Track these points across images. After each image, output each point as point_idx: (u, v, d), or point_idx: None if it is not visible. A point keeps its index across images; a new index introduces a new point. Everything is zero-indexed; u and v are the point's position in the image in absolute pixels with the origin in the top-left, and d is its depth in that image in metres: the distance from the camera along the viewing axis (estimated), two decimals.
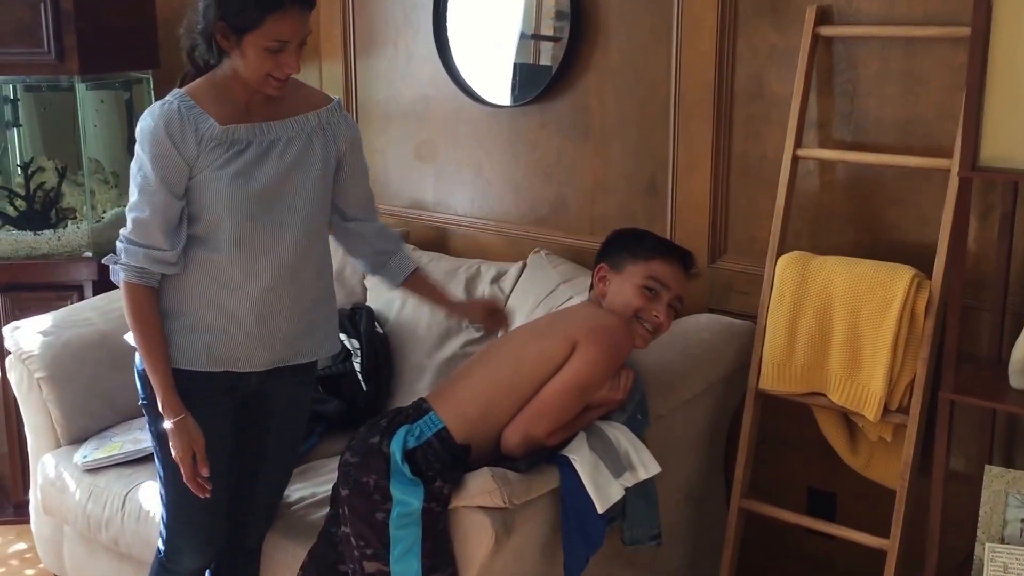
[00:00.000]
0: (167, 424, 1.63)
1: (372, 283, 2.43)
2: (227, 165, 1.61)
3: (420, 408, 1.67)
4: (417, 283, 1.85)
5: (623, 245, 1.78)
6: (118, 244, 1.64)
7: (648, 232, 1.83)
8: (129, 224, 1.61)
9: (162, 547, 1.78)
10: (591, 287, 1.82)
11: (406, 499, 1.56)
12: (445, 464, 1.60)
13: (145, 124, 1.60)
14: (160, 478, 1.75)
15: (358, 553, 1.60)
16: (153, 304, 1.64)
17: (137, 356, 1.70)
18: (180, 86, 1.65)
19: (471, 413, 1.65)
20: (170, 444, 1.63)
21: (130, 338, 1.70)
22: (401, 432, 1.61)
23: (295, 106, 1.68)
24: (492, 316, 1.89)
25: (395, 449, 1.59)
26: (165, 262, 1.61)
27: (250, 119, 1.64)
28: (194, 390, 1.65)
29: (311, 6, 1.59)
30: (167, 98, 1.62)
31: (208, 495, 1.64)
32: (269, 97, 1.64)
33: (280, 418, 1.78)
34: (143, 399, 1.72)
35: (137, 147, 1.61)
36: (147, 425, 1.74)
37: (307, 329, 1.74)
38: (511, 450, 1.65)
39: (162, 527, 1.78)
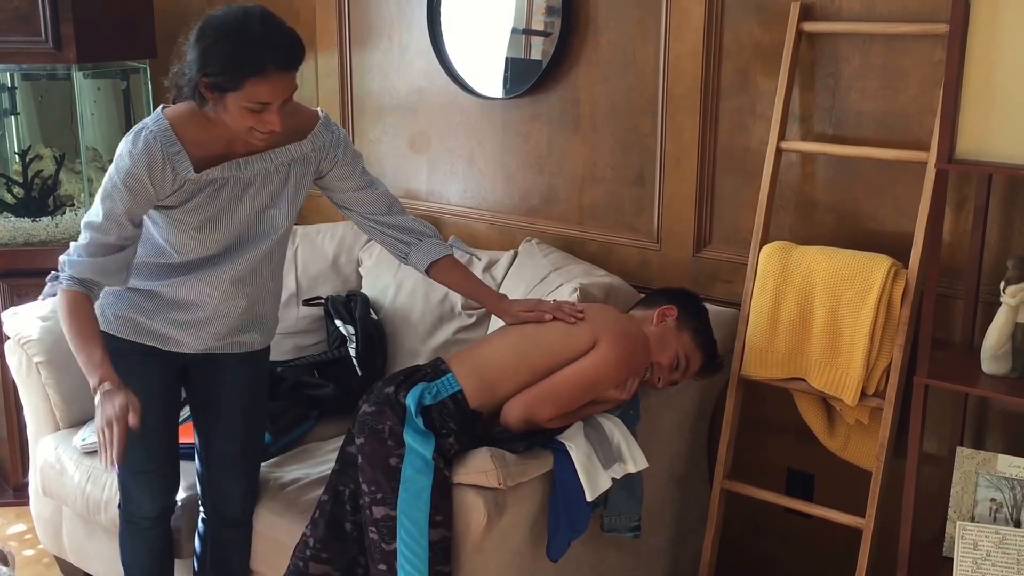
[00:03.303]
0: (101, 389, 1.54)
1: (367, 270, 2.47)
2: (197, 210, 1.62)
3: (438, 368, 1.70)
4: (443, 276, 1.81)
5: None
6: (62, 258, 1.62)
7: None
8: (85, 238, 1.60)
9: (120, 500, 1.87)
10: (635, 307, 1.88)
11: (418, 447, 1.59)
12: (460, 426, 1.64)
13: (125, 155, 1.57)
14: None
15: (368, 499, 1.63)
16: (91, 309, 1.62)
17: None
18: (174, 101, 1.63)
19: (488, 378, 1.68)
20: (103, 409, 1.53)
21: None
22: (418, 388, 1.65)
23: (278, 136, 1.62)
24: (535, 314, 1.77)
25: (410, 402, 1.63)
26: (112, 274, 1.62)
27: (231, 152, 1.62)
28: (124, 353, 1.69)
29: (295, 66, 1.53)
30: (149, 126, 1.59)
31: (122, 463, 1.57)
32: None
33: (229, 387, 1.82)
34: None
35: (113, 170, 1.59)
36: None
37: (250, 325, 1.78)
38: (510, 424, 1.69)
39: (117, 480, 1.86)
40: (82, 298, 1.61)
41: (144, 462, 1.81)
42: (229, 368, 1.81)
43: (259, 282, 1.76)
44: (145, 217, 1.66)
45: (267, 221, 1.70)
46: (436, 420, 1.64)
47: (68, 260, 1.63)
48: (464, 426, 1.65)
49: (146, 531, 1.87)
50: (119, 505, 1.89)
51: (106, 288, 1.70)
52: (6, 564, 1.76)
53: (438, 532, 1.59)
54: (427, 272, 1.81)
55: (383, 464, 1.62)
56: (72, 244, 1.64)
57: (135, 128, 1.62)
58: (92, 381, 1.57)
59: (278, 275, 1.81)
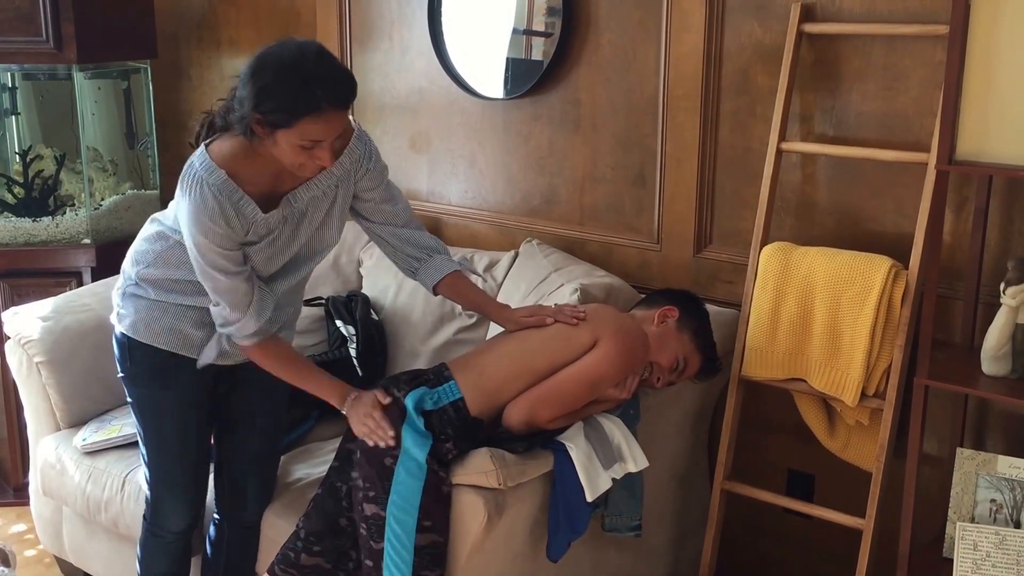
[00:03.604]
0: (349, 401, 1.66)
1: (367, 270, 2.47)
2: (264, 249, 1.64)
3: (441, 375, 1.71)
4: (449, 291, 1.81)
5: None
6: (224, 331, 1.66)
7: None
8: (226, 305, 1.62)
9: (148, 513, 1.87)
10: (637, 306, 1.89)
11: (414, 449, 1.60)
12: (458, 432, 1.65)
13: (199, 216, 1.55)
14: (141, 446, 1.83)
15: (362, 495, 1.65)
16: (285, 347, 1.70)
17: (116, 328, 1.76)
18: (203, 140, 1.60)
19: (489, 387, 1.69)
20: (356, 411, 1.63)
21: (114, 319, 1.76)
22: (419, 392, 1.66)
23: None
24: (536, 320, 1.77)
25: (409, 403, 1.64)
26: (265, 306, 1.66)
27: (280, 185, 1.63)
28: (163, 365, 1.71)
29: (350, 104, 1.53)
30: (206, 179, 1.55)
31: (392, 441, 1.60)
32: None
33: (254, 391, 1.84)
34: (122, 371, 1.79)
35: (197, 236, 1.56)
36: (126, 395, 1.81)
37: (285, 327, 1.80)
38: (512, 425, 1.69)
39: (146, 493, 1.87)
40: (271, 342, 1.68)
41: (181, 474, 1.83)
42: (253, 371, 1.81)
43: (301, 288, 1.79)
44: None
45: (320, 240, 1.73)
46: (436, 425, 1.64)
47: (232, 332, 1.65)
48: (463, 433, 1.66)
49: (170, 544, 1.88)
50: (144, 516, 1.89)
51: (152, 301, 1.71)
52: (7, 564, 1.77)
53: (426, 537, 1.60)
54: (434, 288, 1.82)
55: (378, 463, 1.63)
56: (217, 313, 1.64)
57: (190, 182, 1.57)
58: (336, 401, 1.68)
59: (305, 282, 1.84)
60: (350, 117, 1.71)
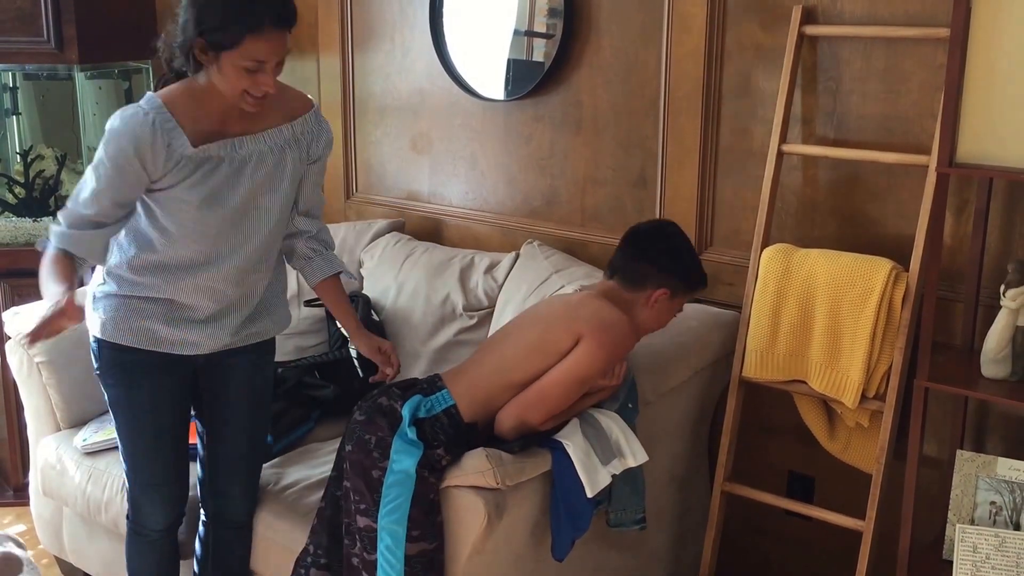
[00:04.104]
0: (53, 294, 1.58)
1: (368, 271, 2.47)
2: (197, 186, 1.62)
3: (434, 384, 1.72)
4: (326, 291, 1.83)
5: None
6: (51, 225, 1.67)
7: None
8: (69, 205, 1.63)
9: (130, 512, 1.87)
10: (607, 277, 1.80)
11: (402, 459, 1.60)
12: (451, 438, 1.65)
13: (115, 131, 1.57)
14: (120, 446, 1.83)
15: (353, 507, 1.65)
16: (72, 263, 1.64)
17: (89, 331, 1.75)
18: (156, 88, 1.65)
19: (479, 397, 1.70)
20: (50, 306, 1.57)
21: (89, 321, 1.76)
22: (415, 399, 1.66)
23: (272, 117, 1.67)
24: (381, 356, 1.82)
25: (406, 412, 1.64)
26: (86, 247, 1.64)
27: (225, 132, 1.63)
28: (137, 365, 1.71)
29: (290, 27, 1.56)
30: (142, 105, 1.60)
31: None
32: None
33: (237, 386, 1.83)
34: (97, 369, 1.79)
35: (101, 145, 1.60)
36: (103, 394, 1.80)
37: (259, 314, 1.79)
38: (504, 433, 1.69)
39: (126, 492, 1.87)
40: (65, 255, 1.64)
41: (157, 475, 1.83)
42: (237, 371, 1.81)
43: (257, 273, 1.76)
44: (145, 217, 1.66)
45: (266, 205, 1.70)
46: (428, 433, 1.65)
47: (54, 230, 1.66)
48: (456, 439, 1.66)
49: (155, 543, 1.89)
50: (127, 516, 1.89)
51: (120, 299, 1.71)
52: (22, 548, 1.78)
53: (416, 547, 1.60)
54: (315, 284, 1.83)
55: (367, 475, 1.63)
56: (60, 211, 1.66)
57: (125, 106, 1.62)
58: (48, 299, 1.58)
59: (282, 263, 1.83)
60: (309, 96, 1.76)
